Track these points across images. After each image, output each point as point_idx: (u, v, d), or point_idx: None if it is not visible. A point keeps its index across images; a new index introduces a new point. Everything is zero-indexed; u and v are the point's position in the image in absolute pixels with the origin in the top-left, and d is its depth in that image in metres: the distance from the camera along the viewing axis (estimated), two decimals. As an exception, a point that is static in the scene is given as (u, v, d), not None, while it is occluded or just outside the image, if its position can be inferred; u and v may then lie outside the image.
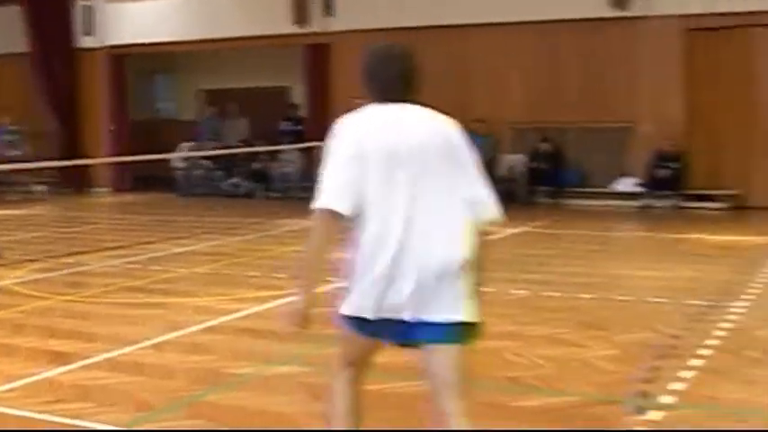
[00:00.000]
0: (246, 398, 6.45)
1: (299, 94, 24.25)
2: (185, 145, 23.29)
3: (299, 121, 23.56)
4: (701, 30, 19.43)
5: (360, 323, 4.44)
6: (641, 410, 6.04)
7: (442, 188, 4.26)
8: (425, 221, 4.23)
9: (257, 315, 9.23)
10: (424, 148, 4.27)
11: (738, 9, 18.99)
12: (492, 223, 4.39)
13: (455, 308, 4.44)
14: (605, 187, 19.92)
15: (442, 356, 4.45)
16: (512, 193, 20.66)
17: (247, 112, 24.42)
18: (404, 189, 4.22)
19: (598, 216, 17.89)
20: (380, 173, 4.22)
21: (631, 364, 7.17)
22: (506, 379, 6.83)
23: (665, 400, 6.29)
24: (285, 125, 23.61)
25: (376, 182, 4.21)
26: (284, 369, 7.16)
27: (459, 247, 4.31)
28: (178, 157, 22.79)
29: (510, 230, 15.57)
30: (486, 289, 9.88)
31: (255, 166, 22.85)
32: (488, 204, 4.34)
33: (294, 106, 24.09)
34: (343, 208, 4.21)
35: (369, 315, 4.36)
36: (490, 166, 20.69)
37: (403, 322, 4.33)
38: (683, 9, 19.35)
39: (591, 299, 9.90)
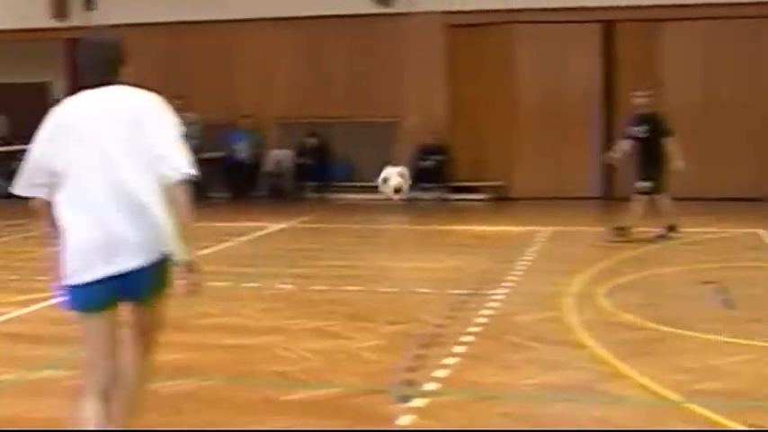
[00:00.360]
0: (2, 406, 6.20)
1: (61, 90, 23.51)
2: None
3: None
4: (463, 26, 20.00)
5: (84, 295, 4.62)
6: (405, 399, 6.14)
7: (140, 155, 4.59)
8: (123, 190, 4.54)
9: (18, 319, 8.91)
10: (122, 120, 4.64)
11: (498, 6, 19.64)
12: (182, 179, 4.57)
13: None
14: (372, 181, 20.16)
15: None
16: (279, 189, 20.74)
17: (5, 109, 23.49)
18: (104, 160, 4.57)
19: (365, 210, 18.12)
20: (82, 148, 4.61)
21: (396, 354, 7.29)
22: (274, 374, 6.83)
23: (429, 387, 6.43)
24: None
25: (78, 156, 4.61)
26: (44, 374, 6.94)
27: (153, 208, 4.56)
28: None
29: (277, 226, 15.64)
30: (251, 285, 9.88)
31: (15, 165, 22.00)
32: (177, 161, 4.59)
33: (58, 101, 23.31)
34: (36, 192, 4.79)
35: (89, 278, 4.57)
36: (257, 161, 20.71)
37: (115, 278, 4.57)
38: (445, 6, 19.86)
39: (357, 291, 10.02)
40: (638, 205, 13.26)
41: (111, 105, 4.72)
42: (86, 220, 4.57)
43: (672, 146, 13.09)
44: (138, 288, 4.67)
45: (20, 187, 4.86)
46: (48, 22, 21.51)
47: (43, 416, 6.00)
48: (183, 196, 4.58)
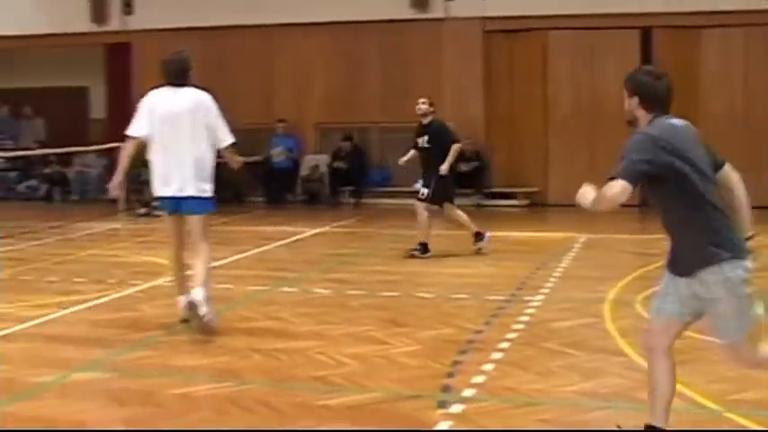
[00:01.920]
0: (44, 407, 6.26)
1: (99, 95, 23.71)
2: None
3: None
4: (499, 32, 20.01)
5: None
6: (443, 404, 6.16)
7: (200, 132, 8.30)
8: (185, 150, 8.27)
9: (57, 321, 8.98)
10: (188, 110, 8.28)
11: (534, 12, 19.63)
12: (229, 146, 8.50)
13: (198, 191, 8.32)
14: (408, 186, 20.16)
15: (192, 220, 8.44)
16: (315, 193, 20.78)
17: (44, 112, 23.72)
18: (177, 132, 8.26)
19: (401, 215, 18.09)
20: (163, 124, 8.28)
21: (434, 360, 7.30)
22: (312, 378, 6.85)
23: (467, 393, 6.44)
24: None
25: (161, 129, 8.29)
26: (85, 375, 6.99)
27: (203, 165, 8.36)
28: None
29: (313, 230, 15.68)
30: (289, 289, 9.94)
31: (53, 168, 22.22)
32: (225, 135, 8.44)
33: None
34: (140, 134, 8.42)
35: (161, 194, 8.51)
36: (293, 166, 20.73)
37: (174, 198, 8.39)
38: (481, 11, 19.87)
39: (394, 296, 10.04)
40: (421, 213, 13.05)
41: (182, 98, 8.33)
42: (162, 162, 8.33)
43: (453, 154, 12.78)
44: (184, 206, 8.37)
45: (131, 130, 8.44)
46: (87, 26, 21.67)
47: (84, 417, 6.05)
48: (231, 153, 8.55)
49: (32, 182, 22.30)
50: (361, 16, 20.24)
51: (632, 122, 5.03)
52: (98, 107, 24.05)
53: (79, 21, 21.68)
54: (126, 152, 8.41)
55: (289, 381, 6.84)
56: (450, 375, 6.85)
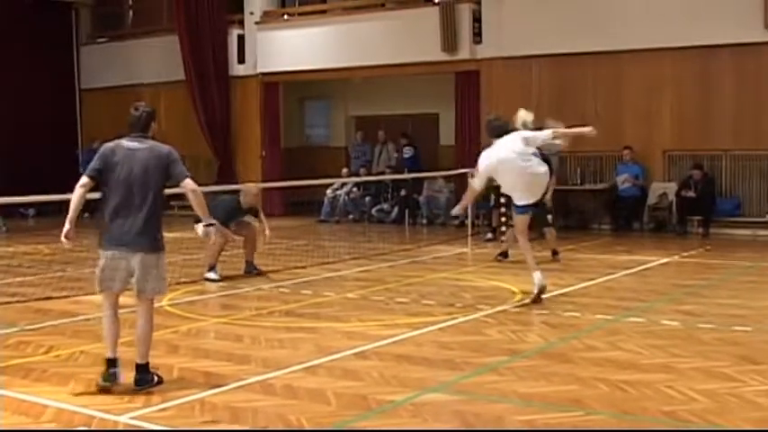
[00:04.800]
0: (397, 425, 6.46)
1: (448, 121, 24.31)
2: (344, 171, 23.55)
3: (416, 147, 23.86)
4: None
5: None
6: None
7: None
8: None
9: (408, 341, 9.25)
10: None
11: None
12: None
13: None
14: (762, 216, 19.37)
15: None
16: (662, 222, 20.29)
17: (394, 138, 24.60)
18: None
19: (753, 246, 17.41)
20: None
21: (791, 401, 6.94)
22: (661, 413, 6.67)
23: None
24: (407, 151, 23.77)
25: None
26: (435, 396, 7.16)
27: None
28: (328, 183, 23.03)
29: (660, 260, 15.31)
30: (635, 319, 9.76)
31: (403, 192, 22.96)
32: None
33: (407, 135, 24.16)
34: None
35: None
36: (641, 193, 20.32)
37: None
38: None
39: (747, 332, 9.60)
40: None
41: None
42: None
43: None
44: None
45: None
46: (439, 55, 22.28)
47: (434, 438, 6.19)
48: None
49: (384, 206, 23.13)
50: (711, 40, 19.60)
51: None
52: (447, 133, 24.68)
53: (431, 50, 22.30)
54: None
55: (636, 413, 6.71)
56: (808, 418, 6.50)
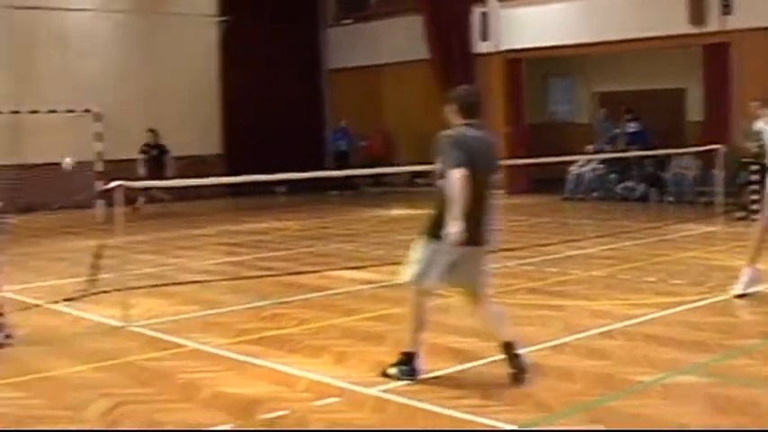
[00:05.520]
0: (646, 406, 6.37)
1: (695, 96, 23.62)
2: (589, 148, 23.26)
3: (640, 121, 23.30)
4: None
5: None
6: None
7: None
8: None
9: (655, 321, 9.09)
10: None
11: None
12: None
13: None
14: None
15: None
16: None
17: (642, 114, 24.07)
18: None
19: None
20: None
21: None
22: None
23: None
24: (632, 126, 23.15)
25: None
26: (685, 378, 7.01)
27: None
28: (573, 160, 22.78)
29: None
30: None
31: (649, 169, 22.45)
32: None
33: (630, 110, 23.46)
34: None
35: None
36: None
37: None
38: None
39: None
40: None
41: None
42: None
43: None
44: None
45: None
46: (685, 27, 21.61)
47: (686, 420, 6.06)
48: None
49: (630, 183, 22.69)
50: None
51: None
52: (694, 109, 23.97)
53: (677, 23, 21.66)
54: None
55: None
56: None
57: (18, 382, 7.46)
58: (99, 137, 21.98)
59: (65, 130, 22.44)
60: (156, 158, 23.07)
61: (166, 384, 7.25)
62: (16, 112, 22.74)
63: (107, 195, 10.23)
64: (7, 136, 21.31)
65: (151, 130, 23.47)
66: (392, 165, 25.60)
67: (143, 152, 23.19)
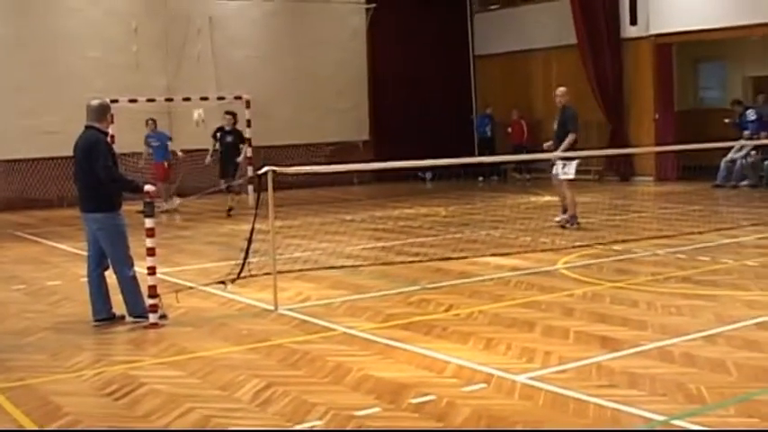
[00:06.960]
0: (804, 400, 6.21)
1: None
2: (745, 134, 22.64)
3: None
4: None
5: None
6: None
7: None
8: None
9: None
10: None
11: None
12: None
13: None
14: None
15: None
16: None
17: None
18: None
19: None
20: None
21: None
22: None
23: None
24: (750, 114, 22.38)
25: None
26: None
27: None
28: (724, 147, 22.19)
29: None
30: None
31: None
32: None
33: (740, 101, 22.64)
34: None
35: None
36: None
37: None
38: None
39: None
40: None
41: None
42: None
43: None
44: None
45: None
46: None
47: None
48: None
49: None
50: None
51: None
52: None
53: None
54: None
55: None
56: None
57: (173, 361, 7.71)
58: (249, 123, 22.39)
59: (216, 116, 22.96)
60: (231, 145, 19.73)
61: (316, 367, 7.38)
62: (170, 100, 23.35)
63: (257, 181, 10.40)
64: (161, 123, 21.84)
65: (229, 113, 20.25)
66: (536, 152, 25.40)
67: (213, 137, 20.19)
